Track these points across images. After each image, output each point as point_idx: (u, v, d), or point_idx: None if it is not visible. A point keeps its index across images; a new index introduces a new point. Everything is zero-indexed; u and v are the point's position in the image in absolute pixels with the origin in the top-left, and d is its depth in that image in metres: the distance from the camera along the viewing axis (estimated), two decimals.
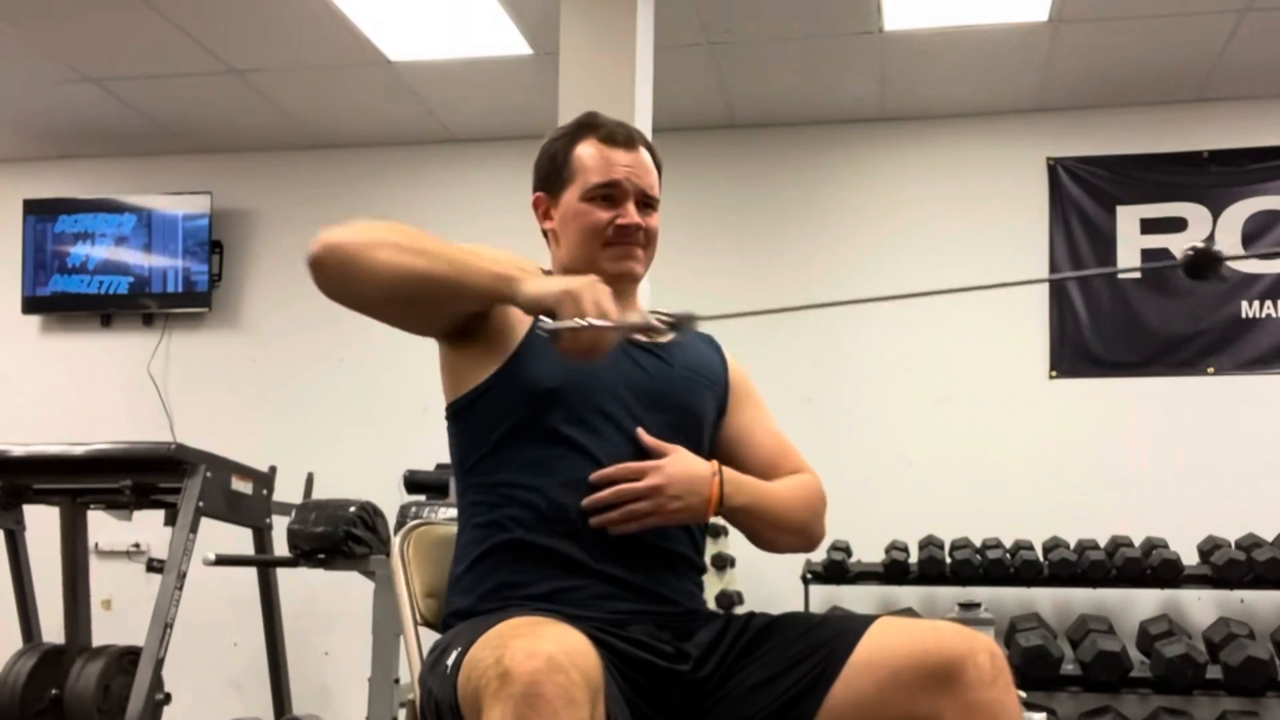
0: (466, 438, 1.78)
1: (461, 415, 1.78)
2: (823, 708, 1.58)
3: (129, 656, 3.72)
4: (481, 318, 1.74)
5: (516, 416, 1.72)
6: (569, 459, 1.70)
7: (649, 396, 1.78)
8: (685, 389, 1.84)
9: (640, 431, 1.74)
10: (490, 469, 1.74)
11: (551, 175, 1.87)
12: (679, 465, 1.72)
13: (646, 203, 1.86)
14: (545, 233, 1.92)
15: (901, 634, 1.60)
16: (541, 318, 1.57)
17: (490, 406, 1.74)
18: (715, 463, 1.77)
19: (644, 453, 1.73)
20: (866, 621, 1.63)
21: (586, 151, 1.85)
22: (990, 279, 5.10)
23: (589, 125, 1.88)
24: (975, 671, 1.52)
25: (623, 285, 1.79)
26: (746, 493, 1.78)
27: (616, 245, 1.82)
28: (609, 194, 1.82)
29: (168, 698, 3.59)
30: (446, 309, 1.70)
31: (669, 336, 1.63)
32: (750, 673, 1.63)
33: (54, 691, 3.75)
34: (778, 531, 1.84)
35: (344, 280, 1.64)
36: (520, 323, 1.74)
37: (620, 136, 1.86)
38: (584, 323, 1.54)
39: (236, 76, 5.16)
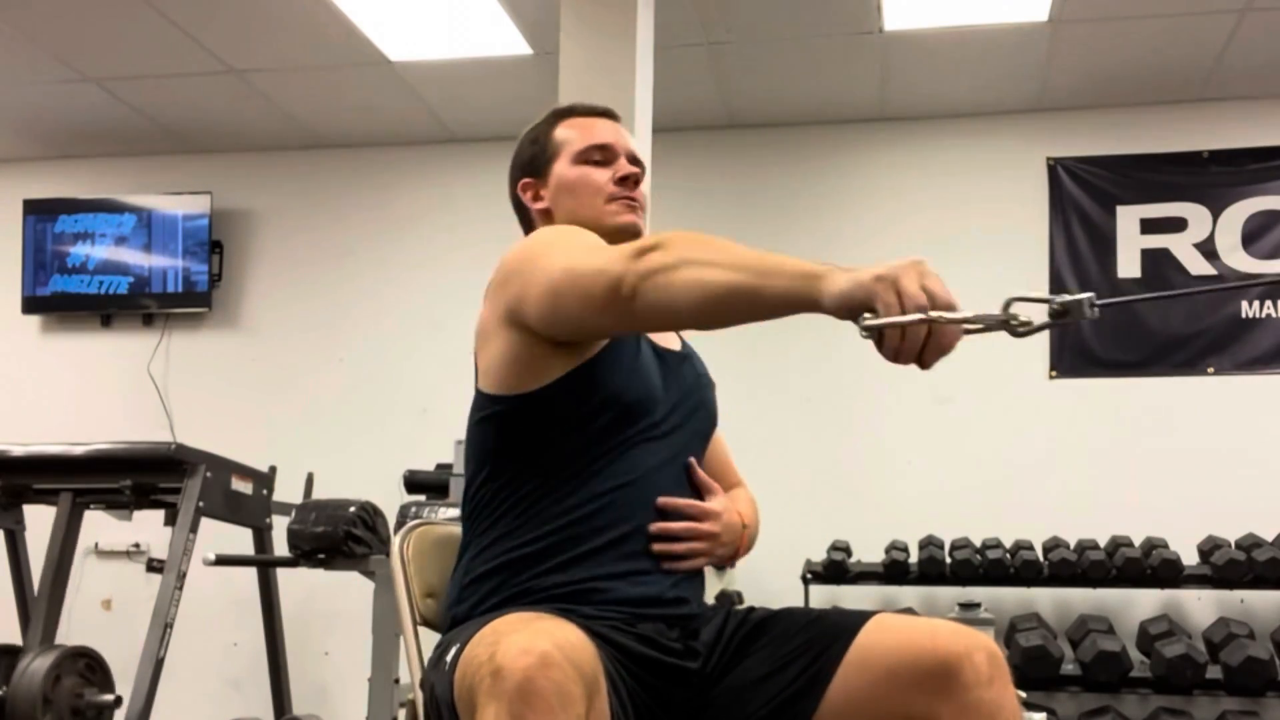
0: (512, 437, 1.70)
1: (513, 413, 1.69)
2: (825, 705, 1.58)
3: (82, 657, 3.63)
4: None
5: (588, 421, 1.67)
6: (621, 469, 1.69)
7: (688, 406, 1.81)
8: (708, 396, 1.88)
9: (693, 463, 1.78)
10: (535, 472, 1.68)
11: (535, 158, 1.89)
12: (729, 517, 1.79)
13: (634, 163, 1.88)
14: (530, 218, 1.89)
15: (898, 632, 1.59)
16: (864, 316, 1.31)
17: (553, 409, 1.67)
18: (740, 513, 1.83)
19: (689, 477, 1.77)
20: (863, 618, 1.62)
21: (569, 124, 1.89)
22: (990, 279, 5.11)
23: (564, 110, 1.93)
24: (972, 671, 1.51)
25: (625, 240, 1.71)
26: (750, 538, 1.87)
27: (619, 199, 1.84)
28: (601, 155, 1.85)
29: (118, 700, 3.56)
30: (740, 321, 1.48)
31: (1034, 329, 1.37)
32: (749, 668, 1.63)
33: (1, 691, 3.62)
34: (738, 558, 1.91)
35: (658, 312, 1.49)
36: None
37: (598, 111, 1.91)
38: (920, 317, 1.27)
39: (236, 76, 5.16)
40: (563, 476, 1.67)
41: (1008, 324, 1.33)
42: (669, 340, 1.87)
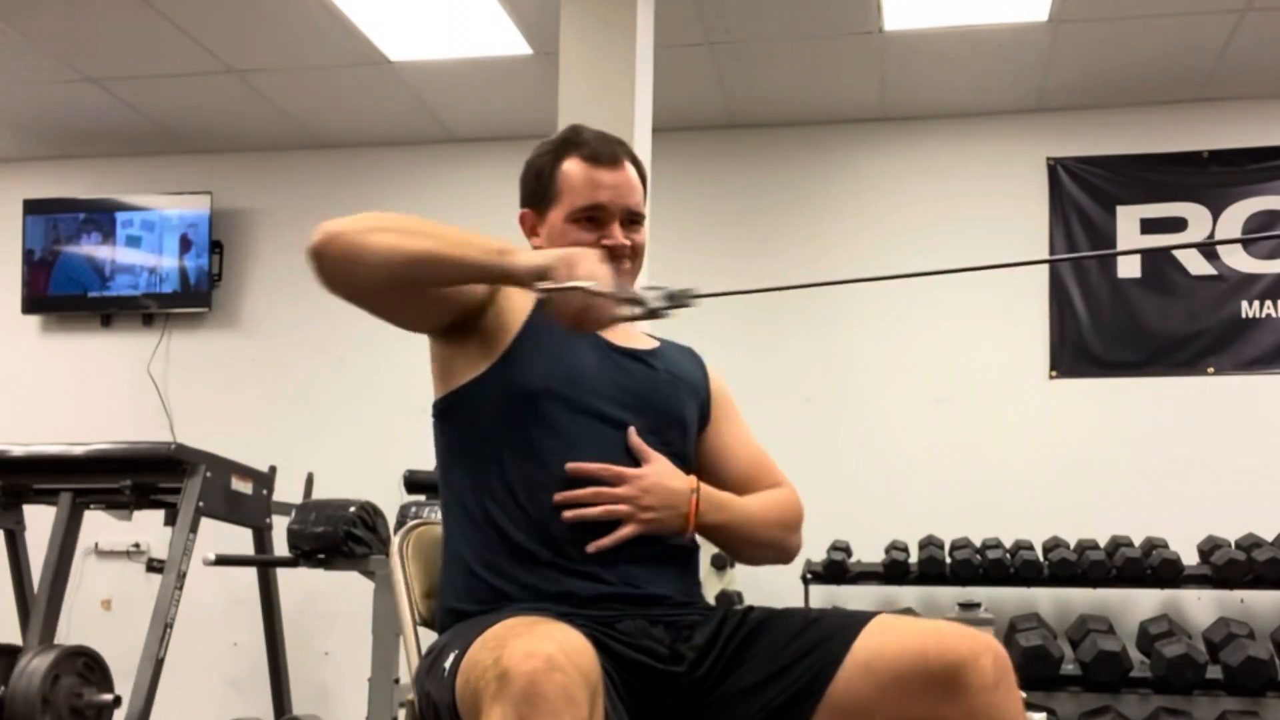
0: (453, 435, 1.79)
1: (449, 412, 1.79)
2: (824, 708, 1.57)
3: (81, 656, 3.63)
4: (476, 315, 1.76)
5: (504, 415, 1.73)
6: (553, 458, 1.70)
7: (633, 399, 1.78)
8: (669, 393, 1.85)
9: (631, 431, 1.75)
10: (475, 467, 1.74)
11: (537, 192, 1.88)
12: (658, 477, 1.73)
13: (631, 219, 1.86)
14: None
15: (903, 635, 1.58)
16: (538, 283, 1.58)
17: (478, 404, 1.75)
18: (694, 479, 1.77)
19: (630, 454, 1.74)
20: (863, 620, 1.62)
21: (571, 170, 1.84)
22: (990, 278, 5.11)
23: (573, 142, 1.87)
24: (978, 675, 1.51)
25: None
26: (723, 510, 1.80)
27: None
28: (593, 215, 1.83)
29: (118, 700, 3.56)
30: (447, 290, 1.71)
31: (661, 315, 1.62)
32: (746, 671, 1.62)
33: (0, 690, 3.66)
34: (752, 547, 1.87)
35: (346, 266, 1.66)
36: (514, 322, 1.76)
37: (604, 155, 1.85)
38: (578, 284, 1.56)
39: (236, 76, 5.16)
40: (493, 476, 1.71)
41: (641, 302, 1.61)
42: (633, 340, 1.88)
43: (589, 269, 1.58)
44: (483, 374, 1.75)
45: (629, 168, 1.87)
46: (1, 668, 3.61)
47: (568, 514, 1.68)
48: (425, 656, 1.63)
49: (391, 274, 1.65)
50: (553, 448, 1.71)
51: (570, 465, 1.69)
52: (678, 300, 1.62)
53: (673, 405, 1.84)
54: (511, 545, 1.68)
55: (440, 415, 1.81)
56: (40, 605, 3.79)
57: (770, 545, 1.88)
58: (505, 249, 1.62)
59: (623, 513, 1.68)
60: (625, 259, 1.83)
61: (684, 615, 1.71)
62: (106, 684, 3.63)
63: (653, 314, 1.61)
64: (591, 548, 1.67)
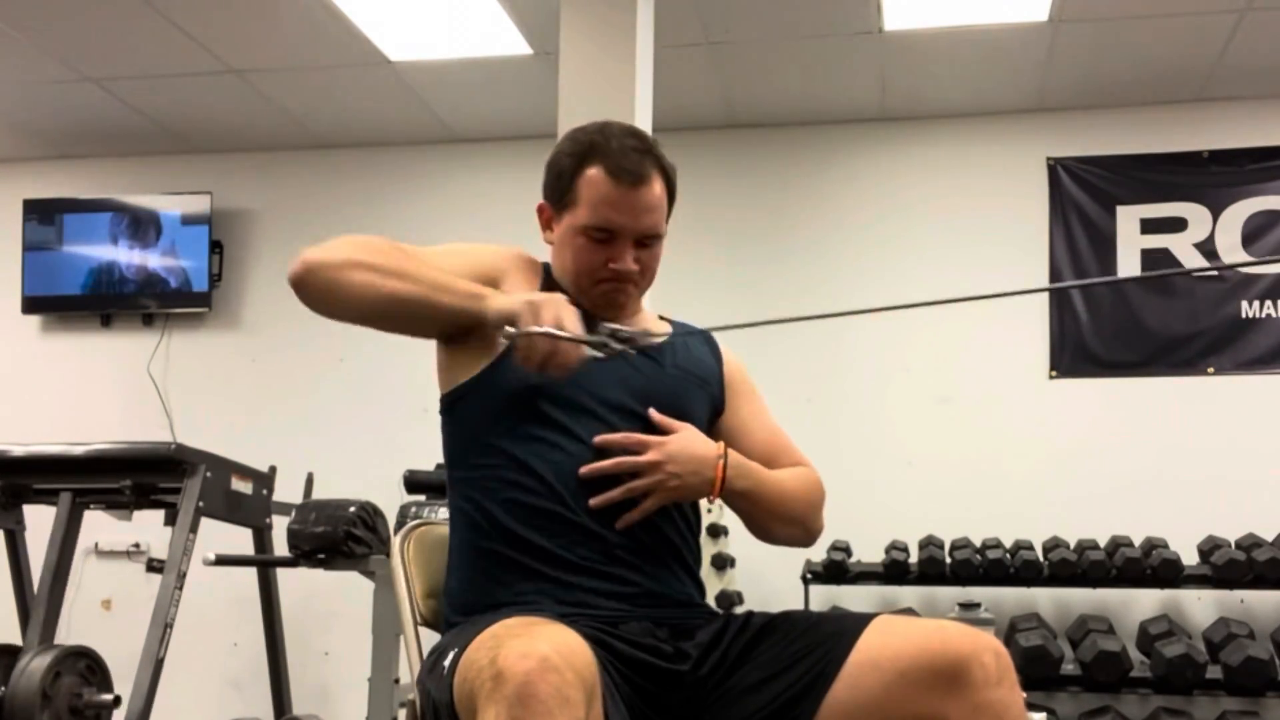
0: (457, 433, 1.79)
1: (453, 409, 1.79)
2: (826, 707, 1.57)
3: (82, 657, 3.63)
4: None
5: (505, 409, 1.73)
6: (557, 452, 1.70)
7: (637, 393, 1.78)
8: (674, 387, 1.84)
9: (652, 411, 1.75)
10: (479, 464, 1.74)
11: (557, 190, 1.83)
12: (682, 443, 1.73)
13: (647, 240, 1.81)
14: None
15: (906, 634, 1.59)
16: (506, 327, 1.63)
17: (480, 400, 1.76)
18: (722, 444, 1.77)
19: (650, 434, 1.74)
20: (865, 620, 1.62)
21: (593, 180, 1.78)
22: (990, 279, 5.11)
23: (601, 150, 1.79)
24: (981, 672, 1.51)
25: (611, 315, 1.80)
26: (750, 477, 1.79)
27: (607, 283, 1.80)
28: (604, 237, 1.79)
29: (117, 700, 3.56)
30: (421, 329, 1.77)
31: (624, 355, 1.68)
32: (749, 672, 1.63)
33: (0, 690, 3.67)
34: (777, 521, 1.85)
35: (324, 300, 1.71)
36: None
37: (628, 174, 1.77)
38: (540, 329, 1.60)
39: (236, 76, 5.16)
40: (495, 472, 1.72)
41: (605, 345, 1.67)
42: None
43: (553, 315, 1.61)
44: (483, 370, 1.75)
45: (655, 184, 1.80)
46: (1, 668, 3.61)
47: (594, 500, 1.68)
48: (428, 656, 1.64)
49: (367, 313, 1.72)
50: (552, 444, 1.71)
51: (598, 439, 1.70)
52: (638, 342, 1.69)
53: (678, 398, 1.83)
54: (516, 543, 1.68)
55: (445, 413, 1.82)
56: (40, 605, 3.79)
57: (796, 520, 1.86)
58: (478, 293, 1.69)
59: (645, 485, 1.69)
60: (630, 283, 1.81)
61: (688, 617, 1.71)
62: (106, 684, 3.63)
63: (617, 354, 1.67)
64: (620, 523, 1.68)
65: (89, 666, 3.61)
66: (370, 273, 1.67)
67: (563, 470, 1.70)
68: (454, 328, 1.72)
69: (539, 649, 1.32)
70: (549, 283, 1.84)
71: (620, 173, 1.77)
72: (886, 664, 1.56)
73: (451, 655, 1.48)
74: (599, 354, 1.66)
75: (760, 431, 1.91)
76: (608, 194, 1.77)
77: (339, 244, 1.71)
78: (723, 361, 1.96)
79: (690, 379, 1.88)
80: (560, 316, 1.62)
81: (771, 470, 1.84)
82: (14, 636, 4.15)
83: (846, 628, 1.62)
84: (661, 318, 1.97)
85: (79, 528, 3.98)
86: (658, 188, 1.80)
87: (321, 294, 1.69)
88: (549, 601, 1.62)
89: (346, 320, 1.75)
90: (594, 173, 1.78)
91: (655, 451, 1.70)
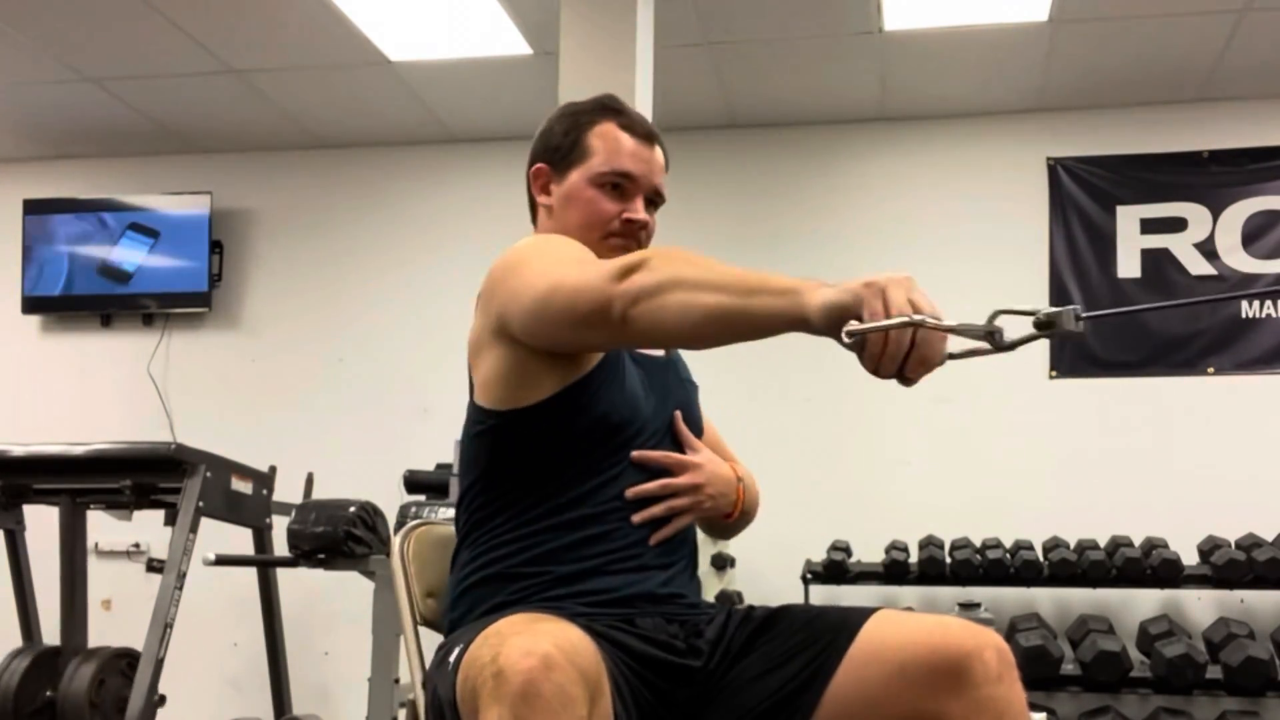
0: (505, 450, 1.69)
1: (506, 427, 1.68)
2: (827, 700, 1.57)
3: (124, 658, 3.71)
4: None
5: (573, 442, 1.67)
6: (611, 480, 1.69)
7: (670, 411, 1.80)
8: (687, 400, 1.86)
9: (677, 416, 1.78)
10: (527, 485, 1.68)
11: (561, 149, 1.81)
12: (714, 466, 1.78)
13: (653, 200, 1.82)
14: (535, 206, 1.87)
15: (908, 628, 1.58)
16: (847, 328, 1.29)
17: (545, 426, 1.66)
18: (733, 465, 1.84)
19: (674, 437, 1.78)
20: (866, 614, 1.62)
21: (606, 132, 1.79)
22: (990, 279, 5.11)
23: (611, 108, 1.82)
24: (983, 668, 1.51)
25: None
26: (749, 496, 1.87)
27: (619, 237, 1.78)
28: (620, 184, 1.77)
29: (162, 699, 3.58)
30: (737, 340, 1.46)
31: (1010, 348, 1.32)
32: (751, 664, 1.63)
33: (48, 693, 3.74)
34: (739, 528, 1.92)
35: (647, 336, 1.53)
36: None
37: (640, 129, 1.81)
38: (904, 319, 1.25)
39: (236, 76, 5.16)
40: (553, 489, 1.68)
41: (992, 335, 1.28)
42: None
43: (906, 295, 1.30)
44: (559, 393, 1.65)
45: (660, 151, 1.84)
46: (46, 671, 3.70)
47: (637, 517, 1.69)
48: (436, 652, 1.62)
49: (691, 338, 1.51)
50: (614, 475, 1.70)
51: (636, 454, 1.70)
52: (1057, 327, 1.26)
53: (693, 411, 1.86)
54: (562, 563, 1.65)
55: (496, 428, 1.69)
56: (66, 609, 3.89)
57: (747, 525, 1.92)
58: (798, 287, 1.37)
59: (685, 504, 1.72)
60: (642, 239, 1.80)
61: (696, 614, 1.72)
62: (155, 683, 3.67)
63: (1001, 349, 1.29)
64: (655, 540, 1.69)
65: (130, 665, 3.66)
66: (685, 291, 1.43)
67: (611, 493, 1.69)
68: (771, 334, 1.41)
69: (541, 646, 1.31)
70: None
71: (634, 127, 1.80)
72: (888, 658, 1.56)
73: (457, 651, 1.48)
74: (976, 346, 1.28)
75: (709, 433, 1.93)
76: (625, 143, 1.78)
77: (650, 262, 1.47)
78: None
79: (692, 387, 1.90)
80: (916, 298, 1.30)
81: (746, 482, 1.88)
82: (14, 636, 4.16)
83: (848, 621, 1.62)
84: None
85: (84, 528, 4.00)
86: (661, 156, 1.84)
87: (645, 331, 1.48)
88: (567, 601, 1.61)
89: (671, 347, 1.73)
90: (608, 126, 1.79)
91: (696, 474, 1.74)
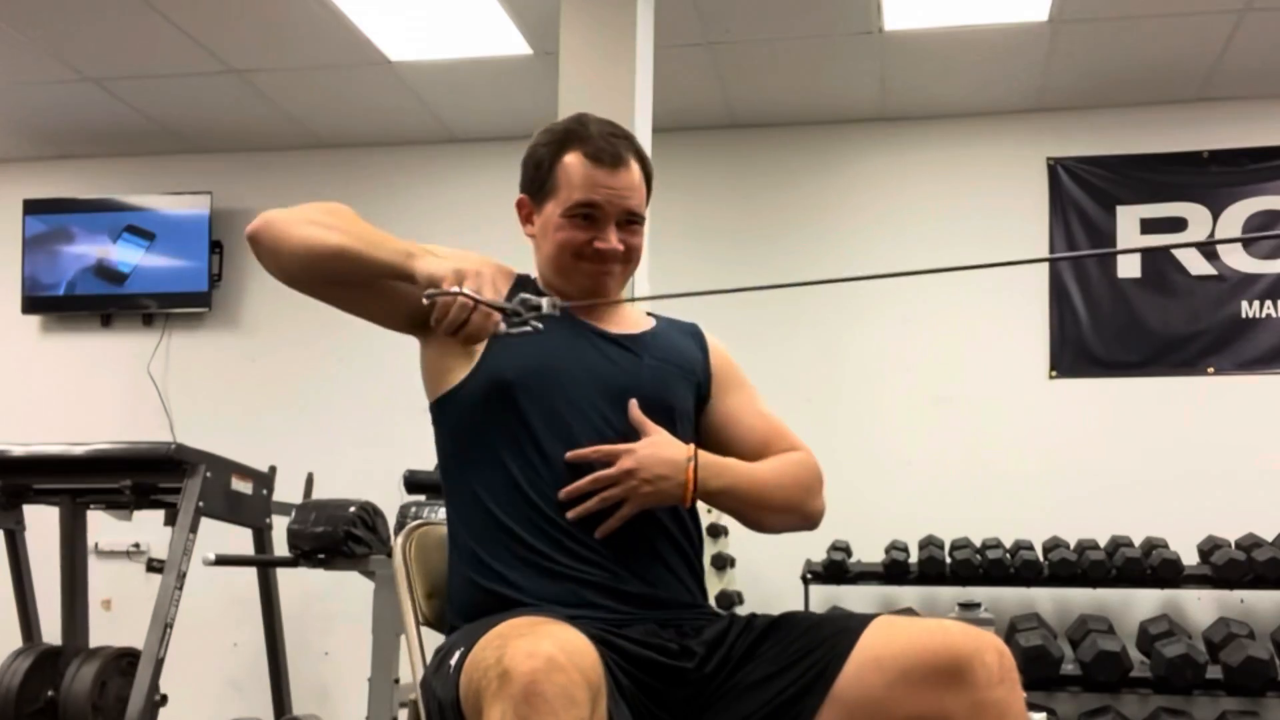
0: (444, 438, 1.82)
1: (441, 415, 1.82)
2: (828, 705, 1.57)
3: (125, 658, 3.72)
4: None
5: (483, 412, 1.75)
6: (542, 459, 1.71)
7: (614, 389, 1.78)
8: (653, 380, 1.82)
9: (633, 404, 1.75)
10: (466, 469, 1.76)
11: (536, 181, 1.86)
12: (652, 448, 1.72)
13: (629, 221, 1.83)
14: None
15: (908, 632, 1.59)
16: (427, 290, 1.63)
17: (462, 404, 1.77)
18: (692, 446, 1.76)
19: (620, 438, 1.73)
20: (866, 620, 1.63)
21: (571, 165, 1.81)
22: (990, 279, 5.12)
23: (577, 135, 1.83)
24: (983, 671, 1.51)
25: (597, 296, 1.84)
26: (725, 475, 1.78)
27: (592, 263, 1.82)
28: (589, 214, 1.81)
29: (164, 699, 3.58)
30: (357, 282, 1.76)
31: (530, 326, 1.65)
32: (752, 670, 1.63)
33: (50, 693, 3.74)
34: (765, 511, 1.83)
35: (272, 253, 1.76)
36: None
37: (606, 156, 1.81)
38: (456, 290, 1.61)
39: (236, 76, 5.16)
40: (489, 477, 1.72)
41: (515, 315, 1.64)
42: (625, 325, 1.88)
43: (475, 280, 1.63)
44: (465, 376, 1.77)
45: (633, 167, 1.84)
46: (48, 671, 3.70)
47: (571, 513, 1.68)
48: (434, 656, 1.63)
49: (307, 265, 1.75)
50: (539, 450, 1.71)
51: (569, 454, 1.70)
52: (541, 313, 1.64)
53: (658, 392, 1.81)
54: (516, 546, 1.69)
55: (434, 419, 1.84)
56: (68, 608, 3.89)
57: (787, 509, 1.84)
58: (412, 252, 1.71)
59: (618, 494, 1.68)
60: (616, 263, 1.82)
61: (693, 618, 1.72)
62: (155, 683, 3.66)
63: (524, 324, 1.65)
64: (600, 532, 1.68)
65: (131, 664, 3.65)
66: (314, 227, 1.73)
67: (552, 476, 1.70)
68: (387, 280, 1.73)
69: (545, 648, 1.32)
70: (518, 288, 1.82)
71: (599, 155, 1.81)
72: (888, 662, 1.56)
73: (458, 654, 1.49)
74: (516, 327, 1.64)
75: (751, 418, 1.90)
76: (588, 175, 1.80)
77: (299, 206, 1.78)
78: (709, 351, 1.95)
79: (670, 370, 1.86)
80: (481, 283, 1.64)
81: (753, 462, 1.83)
82: (14, 636, 4.16)
83: (849, 626, 1.62)
84: (649, 314, 1.97)
85: (85, 528, 4.00)
86: (635, 171, 1.84)
87: (270, 246, 1.75)
88: (552, 604, 1.62)
89: (289, 275, 1.78)
90: (572, 159, 1.82)
91: (626, 460, 1.69)
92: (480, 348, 1.75)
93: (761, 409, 1.94)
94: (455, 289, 1.61)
